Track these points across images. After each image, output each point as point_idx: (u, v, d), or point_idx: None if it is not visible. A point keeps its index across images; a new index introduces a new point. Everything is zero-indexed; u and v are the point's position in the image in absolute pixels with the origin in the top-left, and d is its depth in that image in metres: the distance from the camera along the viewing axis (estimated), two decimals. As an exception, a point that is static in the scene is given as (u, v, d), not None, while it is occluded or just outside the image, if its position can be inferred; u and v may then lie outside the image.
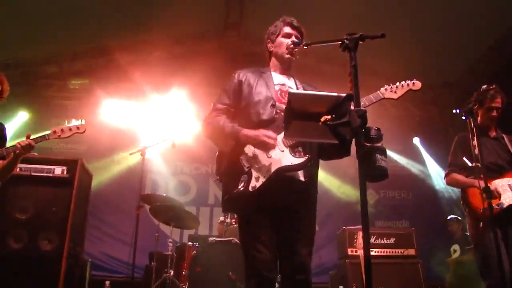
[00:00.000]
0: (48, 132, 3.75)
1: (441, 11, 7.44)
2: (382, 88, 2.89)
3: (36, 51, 8.64)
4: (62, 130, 3.76)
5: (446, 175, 4.26)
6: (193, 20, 8.44)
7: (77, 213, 5.08)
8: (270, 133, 2.69)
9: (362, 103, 2.70)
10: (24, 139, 3.61)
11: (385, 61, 6.95)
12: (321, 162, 2.99)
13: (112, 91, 9.02)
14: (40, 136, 3.67)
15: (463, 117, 4.03)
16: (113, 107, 9.09)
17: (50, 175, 5.04)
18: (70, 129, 3.78)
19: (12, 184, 4.83)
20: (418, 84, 2.95)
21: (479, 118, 4.18)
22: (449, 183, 4.27)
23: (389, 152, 2.33)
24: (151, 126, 9.29)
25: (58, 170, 5.08)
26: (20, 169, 4.94)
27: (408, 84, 2.94)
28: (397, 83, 2.93)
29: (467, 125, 4.13)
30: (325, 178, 9.21)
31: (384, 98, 2.88)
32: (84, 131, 3.83)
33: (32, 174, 4.99)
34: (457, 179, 4.13)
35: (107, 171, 9.03)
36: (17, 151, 3.56)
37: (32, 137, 3.65)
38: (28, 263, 4.57)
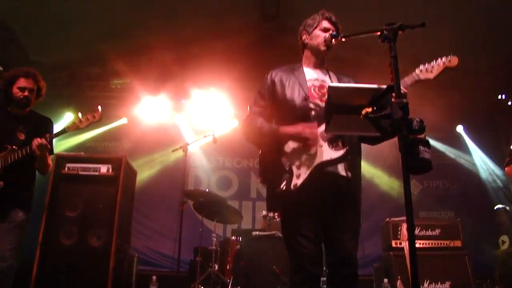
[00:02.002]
0: (68, 125, 3.92)
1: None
2: (417, 69, 2.69)
3: (80, 53, 8.88)
4: (80, 121, 3.91)
5: (506, 165, 4.50)
6: (231, 15, 8.46)
7: (123, 209, 5.21)
8: (310, 126, 2.67)
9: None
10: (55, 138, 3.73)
11: (426, 48, 6.77)
12: (363, 153, 2.96)
13: (153, 89, 9.18)
14: (61, 131, 3.85)
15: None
16: (154, 105, 9.27)
17: (96, 173, 5.19)
18: (87, 119, 3.92)
19: (61, 183, 5.06)
20: (454, 60, 2.70)
21: None
22: (509, 172, 4.59)
23: (431, 141, 2.22)
24: (192, 122, 9.42)
25: (104, 169, 5.22)
26: (68, 168, 5.14)
27: (444, 62, 2.70)
28: (433, 61, 2.71)
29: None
30: (369, 169, 9.12)
31: (420, 80, 2.68)
32: (99, 119, 3.95)
33: (80, 173, 5.16)
34: None
35: (151, 168, 9.22)
36: (34, 153, 3.68)
37: (55, 132, 3.84)
38: (79, 258, 4.73)
